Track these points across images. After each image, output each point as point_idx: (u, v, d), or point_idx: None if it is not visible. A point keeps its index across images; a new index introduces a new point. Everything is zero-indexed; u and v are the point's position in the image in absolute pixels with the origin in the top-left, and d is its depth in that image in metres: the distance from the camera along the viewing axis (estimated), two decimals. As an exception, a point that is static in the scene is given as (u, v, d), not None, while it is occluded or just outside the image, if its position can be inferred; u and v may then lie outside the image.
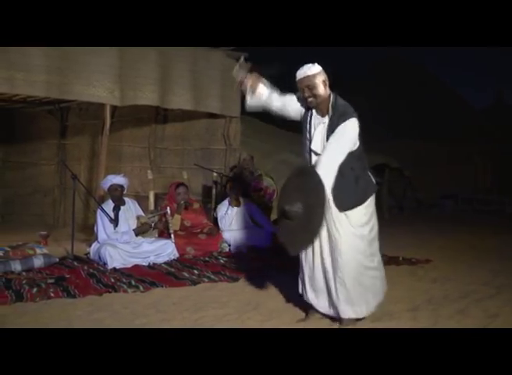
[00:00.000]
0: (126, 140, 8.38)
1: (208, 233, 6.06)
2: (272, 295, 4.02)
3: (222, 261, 5.40)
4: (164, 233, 5.85)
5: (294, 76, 3.32)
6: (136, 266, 5.00)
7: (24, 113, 8.41)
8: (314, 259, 3.28)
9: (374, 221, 3.29)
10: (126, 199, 5.65)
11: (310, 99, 3.22)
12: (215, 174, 7.26)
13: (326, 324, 3.28)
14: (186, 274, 4.72)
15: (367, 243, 3.22)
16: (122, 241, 5.25)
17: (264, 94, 3.40)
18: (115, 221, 5.38)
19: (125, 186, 5.63)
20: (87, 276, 4.59)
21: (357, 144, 3.18)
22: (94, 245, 5.37)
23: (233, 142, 7.68)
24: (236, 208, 6.37)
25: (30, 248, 5.15)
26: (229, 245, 6.04)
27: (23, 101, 7.34)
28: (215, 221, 6.51)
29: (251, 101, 3.46)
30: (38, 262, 4.88)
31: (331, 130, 3.13)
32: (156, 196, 6.83)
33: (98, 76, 5.94)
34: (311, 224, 2.99)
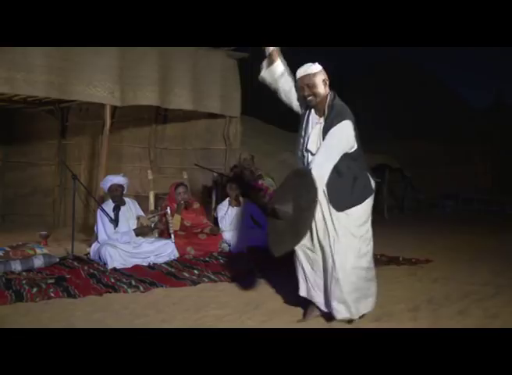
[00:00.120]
0: (126, 140, 8.38)
1: (209, 233, 6.07)
2: (272, 295, 4.03)
3: (222, 261, 5.40)
4: (164, 234, 5.85)
5: (294, 76, 3.34)
6: (136, 266, 5.00)
7: (24, 113, 8.41)
8: (314, 257, 3.29)
9: (370, 221, 3.30)
10: (126, 199, 5.65)
11: (309, 98, 3.23)
12: (215, 174, 7.26)
13: (326, 324, 3.28)
14: (186, 274, 4.72)
15: (363, 243, 3.23)
16: (123, 241, 5.25)
17: (278, 71, 3.45)
18: (115, 221, 5.38)
19: (125, 186, 5.63)
20: (87, 276, 4.59)
21: (355, 147, 3.18)
22: (94, 245, 5.38)
23: (233, 142, 7.68)
24: (236, 208, 6.37)
25: (30, 248, 5.15)
26: (229, 245, 6.05)
27: (23, 101, 7.35)
28: (215, 221, 6.51)
29: (265, 73, 3.51)
30: (38, 262, 4.88)
31: (325, 131, 3.14)
32: (156, 196, 6.84)
33: (99, 76, 5.94)
34: (297, 227, 3.00)
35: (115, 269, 4.87)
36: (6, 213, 8.71)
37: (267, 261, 5.27)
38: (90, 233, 6.39)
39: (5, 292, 3.90)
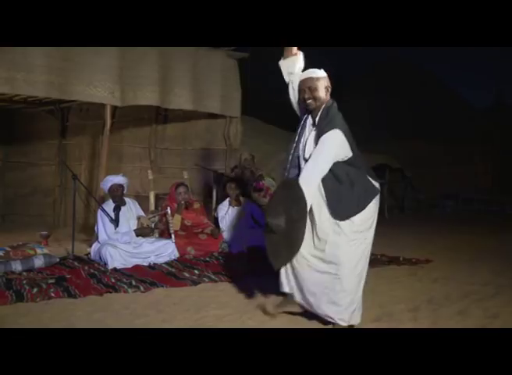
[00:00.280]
0: (126, 140, 8.40)
1: (209, 234, 6.07)
2: (272, 295, 4.02)
3: (222, 261, 5.40)
4: (165, 234, 5.85)
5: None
6: (136, 266, 5.00)
7: (24, 113, 8.41)
8: (312, 261, 3.21)
9: (373, 227, 3.25)
10: (126, 199, 5.66)
11: (309, 101, 3.21)
12: (215, 174, 7.27)
13: (326, 324, 3.28)
14: (186, 274, 4.72)
15: (365, 247, 3.19)
16: (123, 242, 5.26)
17: (296, 66, 3.45)
18: (115, 221, 5.38)
19: (125, 186, 5.63)
20: (88, 276, 4.59)
21: (349, 155, 3.12)
22: (95, 245, 5.38)
23: (234, 142, 7.69)
24: (236, 208, 6.38)
25: (30, 248, 5.15)
26: (230, 245, 6.04)
27: (23, 101, 7.35)
28: (216, 221, 6.51)
29: (284, 62, 3.52)
30: (39, 262, 4.89)
31: (317, 137, 3.12)
32: (156, 196, 6.84)
33: (99, 76, 5.95)
34: (291, 238, 3.00)
35: (115, 269, 4.87)
36: (6, 213, 8.71)
37: (267, 261, 5.28)
38: (90, 234, 6.39)
39: (5, 292, 3.90)
